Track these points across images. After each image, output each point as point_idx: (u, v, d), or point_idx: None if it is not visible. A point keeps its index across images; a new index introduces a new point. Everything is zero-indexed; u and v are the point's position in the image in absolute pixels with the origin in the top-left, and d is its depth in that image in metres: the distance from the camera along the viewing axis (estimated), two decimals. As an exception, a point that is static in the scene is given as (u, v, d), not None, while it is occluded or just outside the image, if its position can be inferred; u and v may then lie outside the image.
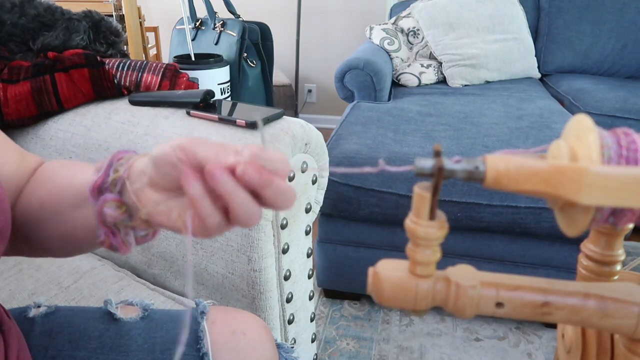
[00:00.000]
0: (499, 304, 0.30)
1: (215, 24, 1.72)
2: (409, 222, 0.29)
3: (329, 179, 1.19)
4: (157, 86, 0.86)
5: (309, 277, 0.83)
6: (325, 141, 0.86)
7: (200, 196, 0.33)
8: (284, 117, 0.75)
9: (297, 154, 0.72)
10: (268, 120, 0.72)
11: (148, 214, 0.36)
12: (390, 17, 2.41)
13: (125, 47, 1.03)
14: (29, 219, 0.45)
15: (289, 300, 0.77)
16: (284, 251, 0.73)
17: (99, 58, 0.85)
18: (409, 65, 2.09)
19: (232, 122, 0.73)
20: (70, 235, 0.43)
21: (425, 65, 2.08)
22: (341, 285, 1.39)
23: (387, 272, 0.30)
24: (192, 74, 1.27)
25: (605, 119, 1.76)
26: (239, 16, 1.78)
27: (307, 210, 0.78)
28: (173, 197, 0.36)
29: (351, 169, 0.28)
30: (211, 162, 0.33)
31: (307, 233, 0.80)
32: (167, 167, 0.34)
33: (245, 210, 0.33)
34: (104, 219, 0.37)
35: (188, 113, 0.78)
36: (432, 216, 0.28)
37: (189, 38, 1.46)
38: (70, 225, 0.43)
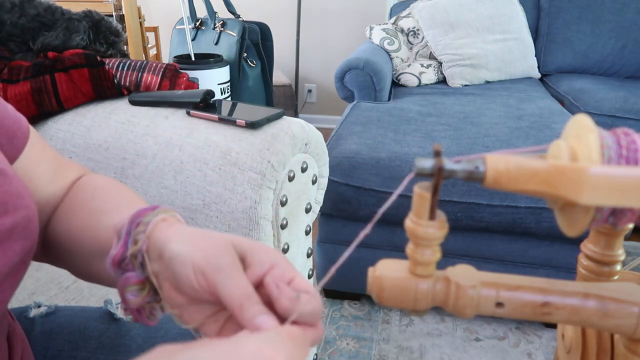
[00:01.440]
0: (499, 304, 0.30)
1: (215, 24, 1.72)
2: (409, 222, 0.29)
3: (329, 179, 1.19)
4: (157, 86, 0.86)
5: (309, 277, 0.83)
6: (325, 141, 0.87)
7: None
8: (284, 117, 0.75)
9: (297, 154, 0.72)
10: (268, 120, 0.72)
11: (175, 316, 0.34)
12: (390, 17, 2.41)
13: (125, 47, 1.03)
14: (57, 244, 0.44)
15: (289, 300, 0.77)
16: (284, 251, 0.73)
17: (99, 58, 0.85)
18: (409, 65, 2.09)
19: (232, 122, 0.73)
20: (95, 276, 0.42)
21: (425, 65, 2.08)
22: (341, 285, 1.39)
23: (387, 272, 0.30)
24: (192, 74, 1.27)
25: (605, 119, 1.76)
26: (239, 16, 1.78)
27: (307, 210, 0.78)
28: (196, 304, 0.33)
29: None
30: (236, 311, 0.29)
31: (307, 233, 0.80)
32: (187, 287, 0.32)
33: None
34: (128, 302, 0.35)
35: (188, 113, 0.78)
36: (432, 216, 0.28)
37: (189, 38, 1.46)
38: (95, 271, 0.41)
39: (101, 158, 0.79)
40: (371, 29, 2.15)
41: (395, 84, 2.08)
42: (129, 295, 0.35)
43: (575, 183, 0.25)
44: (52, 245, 0.44)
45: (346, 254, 0.29)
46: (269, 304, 0.30)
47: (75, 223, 0.43)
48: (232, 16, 1.79)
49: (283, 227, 0.72)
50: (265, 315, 0.29)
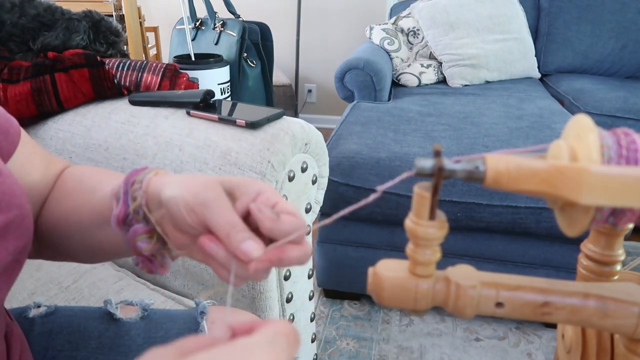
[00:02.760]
0: (499, 304, 0.30)
1: (215, 24, 1.72)
2: (409, 222, 0.29)
3: (329, 179, 1.19)
4: (157, 86, 0.86)
5: (309, 277, 0.83)
6: (325, 141, 0.86)
7: (226, 260, 0.33)
8: (284, 117, 0.75)
9: (297, 154, 0.72)
10: (268, 120, 0.72)
11: (179, 253, 0.36)
12: (390, 17, 2.41)
13: (125, 47, 1.03)
14: (53, 231, 0.45)
15: (289, 300, 0.77)
16: (284, 251, 0.73)
17: (99, 58, 0.85)
18: (409, 65, 2.09)
19: (232, 122, 0.73)
20: (97, 248, 0.44)
21: (425, 65, 2.08)
22: (341, 285, 1.39)
23: (387, 272, 0.30)
24: (192, 74, 1.27)
25: (605, 119, 1.76)
26: (239, 16, 1.78)
27: (307, 210, 0.78)
28: (195, 241, 0.35)
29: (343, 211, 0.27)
30: (224, 239, 0.32)
31: (307, 233, 0.80)
32: (184, 225, 0.34)
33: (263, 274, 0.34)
34: (139, 251, 0.37)
35: (188, 113, 0.78)
36: (432, 216, 0.28)
37: (189, 38, 1.46)
38: (96, 242, 0.43)
39: (101, 158, 0.79)
40: (371, 29, 2.15)
41: (395, 84, 2.08)
42: (141, 244, 0.36)
43: (575, 183, 0.25)
44: (46, 234, 0.45)
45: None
46: (257, 230, 0.33)
47: (69, 205, 0.44)
48: (232, 16, 1.79)
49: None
50: (250, 240, 0.32)
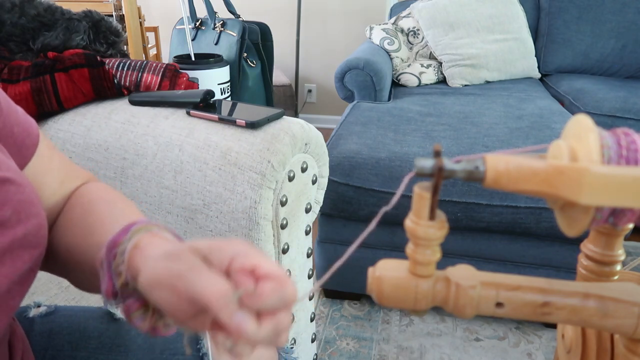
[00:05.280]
0: (499, 304, 0.30)
1: (215, 24, 1.72)
2: (409, 222, 0.29)
3: (329, 179, 1.19)
4: (157, 86, 0.86)
5: (309, 277, 0.83)
6: (325, 141, 0.86)
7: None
8: (284, 117, 0.75)
9: (297, 153, 0.72)
10: (268, 120, 0.72)
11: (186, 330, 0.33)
12: (390, 17, 2.41)
13: (125, 47, 1.03)
14: (57, 257, 0.44)
15: (289, 300, 0.77)
16: (284, 251, 0.73)
17: (99, 58, 0.85)
18: (409, 65, 2.09)
19: (232, 122, 0.73)
20: (95, 288, 0.42)
21: (425, 65, 2.08)
22: (341, 285, 1.39)
23: (387, 272, 0.30)
24: (192, 74, 1.27)
25: (605, 119, 1.76)
26: (239, 16, 1.78)
27: (307, 210, 0.78)
28: (195, 315, 0.32)
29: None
30: (215, 312, 0.28)
31: (307, 233, 0.80)
32: (171, 308, 0.31)
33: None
34: (137, 327, 0.35)
35: (188, 113, 0.78)
36: (432, 216, 0.28)
37: (189, 38, 1.46)
38: (95, 285, 0.40)
39: (101, 158, 0.79)
40: (371, 29, 2.15)
41: (395, 84, 2.08)
42: (137, 322, 0.34)
43: (575, 183, 0.25)
44: (51, 256, 0.44)
45: (346, 254, 0.30)
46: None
47: (71, 240, 0.43)
48: (232, 16, 1.79)
49: (283, 227, 0.72)
50: (239, 313, 0.28)
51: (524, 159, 0.27)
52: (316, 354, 0.93)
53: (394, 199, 0.28)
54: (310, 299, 0.82)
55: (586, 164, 0.25)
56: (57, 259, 0.44)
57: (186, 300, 0.30)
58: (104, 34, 0.95)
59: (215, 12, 1.75)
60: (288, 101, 2.64)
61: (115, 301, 0.35)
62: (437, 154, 0.26)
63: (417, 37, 2.15)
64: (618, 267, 0.37)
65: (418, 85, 2.04)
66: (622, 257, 0.37)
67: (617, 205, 0.25)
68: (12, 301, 0.35)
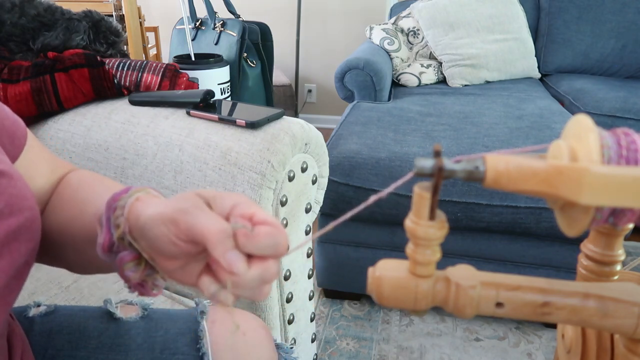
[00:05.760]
0: (499, 304, 0.30)
1: (215, 24, 1.72)
2: (409, 222, 0.29)
3: (329, 179, 1.19)
4: (157, 86, 0.86)
5: (309, 277, 0.83)
6: (325, 141, 0.86)
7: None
8: (284, 117, 0.75)
9: (297, 154, 0.72)
10: (268, 120, 0.72)
11: (169, 280, 0.35)
12: (390, 17, 2.41)
13: (125, 47, 1.03)
14: (49, 239, 0.45)
15: (289, 300, 0.77)
16: (284, 251, 0.73)
17: (99, 58, 0.85)
18: (409, 65, 2.09)
19: (232, 122, 0.73)
20: (89, 263, 0.43)
21: (425, 65, 2.08)
22: (341, 285, 1.39)
23: (387, 272, 0.30)
24: (192, 74, 1.27)
25: (605, 119, 1.76)
26: (239, 16, 1.78)
27: (307, 210, 0.78)
28: (187, 263, 0.33)
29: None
30: (211, 249, 0.30)
31: (307, 233, 0.80)
32: (167, 245, 0.32)
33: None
34: (128, 279, 0.36)
35: (188, 113, 0.78)
36: (432, 216, 0.28)
37: (189, 38, 1.46)
38: (88, 257, 0.42)
39: (101, 158, 0.79)
40: (371, 29, 2.15)
41: (395, 84, 2.08)
42: (128, 272, 0.35)
43: (575, 183, 0.25)
44: (44, 241, 0.45)
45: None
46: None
47: (64, 215, 0.44)
48: (232, 16, 1.79)
49: (283, 227, 0.72)
50: (233, 251, 0.30)
51: (524, 159, 0.27)
52: (316, 354, 0.93)
53: (392, 188, 0.28)
54: (309, 256, 0.82)
55: (586, 164, 0.25)
56: (50, 240, 0.45)
57: (185, 236, 0.31)
58: (104, 34, 0.95)
59: (215, 12, 1.75)
60: (288, 101, 2.64)
61: (110, 255, 0.36)
62: (437, 154, 0.26)
63: (417, 37, 2.15)
64: (618, 267, 0.37)
65: (418, 85, 2.04)
66: (622, 257, 0.37)
67: (617, 205, 0.25)
68: (9, 296, 0.36)
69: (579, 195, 0.24)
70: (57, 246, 0.45)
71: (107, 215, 0.36)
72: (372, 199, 0.29)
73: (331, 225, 0.31)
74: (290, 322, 0.79)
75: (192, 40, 1.75)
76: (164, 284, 0.38)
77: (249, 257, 0.31)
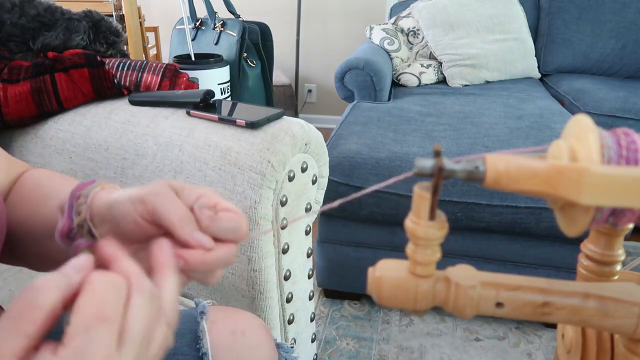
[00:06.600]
0: (499, 304, 0.30)
1: (215, 24, 1.72)
2: (409, 222, 0.29)
3: (329, 179, 1.19)
4: (157, 86, 0.86)
5: (309, 277, 0.83)
6: (325, 141, 0.86)
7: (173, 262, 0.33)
8: (284, 117, 0.75)
9: (297, 153, 0.72)
10: (268, 120, 0.72)
11: None
12: (390, 17, 2.41)
13: (125, 47, 1.03)
14: (8, 238, 0.45)
15: (289, 300, 0.77)
16: (284, 251, 0.73)
17: (99, 58, 0.85)
18: (409, 65, 2.09)
19: (232, 122, 0.73)
20: (46, 258, 0.44)
21: (425, 65, 2.08)
22: (341, 285, 1.39)
23: (387, 272, 0.30)
24: (192, 74, 1.27)
25: (605, 119, 1.76)
26: (239, 16, 1.78)
27: (307, 210, 0.78)
28: (143, 249, 0.35)
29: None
30: (176, 228, 0.32)
31: (307, 233, 0.80)
32: (129, 225, 0.34)
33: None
34: None
35: (188, 113, 0.78)
36: (432, 216, 0.28)
37: (189, 38, 1.46)
38: (46, 251, 0.43)
39: (101, 158, 0.79)
40: (371, 29, 2.15)
41: (395, 84, 2.08)
42: None
43: (575, 183, 0.25)
44: (5, 237, 0.45)
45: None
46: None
47: (23, 211, 0.44)
48: (232, 16, 1.79)
49: (283, 227, 0.72)
50: (199, 232, 0.33)
51: (524, 159, 0.27)
52: (316, 354, 0.93)
53: (390, 182, 0.28)
54: (309, 256, 0.82)
55: (586, 164, 0.25)
56: (9, 236, 0.45)
57: (149, 216, 0.33)
58: (104, 34, 0.95)
59: (215, 12, 1.75)
60: (288, 101, 2.64)
61: (66, 242, 0.37)
62: (437, 154, 0.26)
63: (417, 37, 2.15)
64: (618, 267, 0.37)
65: (418, 85, 2.04)
66: (622, 257, 0.37)
67: (617, 206, 0.25)
68: None
69: (578, 196, 0.24)
70: (14, 242, 0.45)
71: (70, 202, 0.37)
72: (359, 193, 0.29)
73: (302, 216, 0.31)
74: (290, 322, 0.79)
75: (192, 40, 1.75)
76: None
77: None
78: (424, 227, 0.28)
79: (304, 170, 0.74)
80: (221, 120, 0.74)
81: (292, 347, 0.82)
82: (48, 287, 0.25)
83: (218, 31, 1.70)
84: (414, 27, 2.15)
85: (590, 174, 0.24)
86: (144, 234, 0.34)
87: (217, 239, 0.34)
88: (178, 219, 0.32)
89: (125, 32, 1.38)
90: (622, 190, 0.24)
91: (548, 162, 0.26)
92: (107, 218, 0.35)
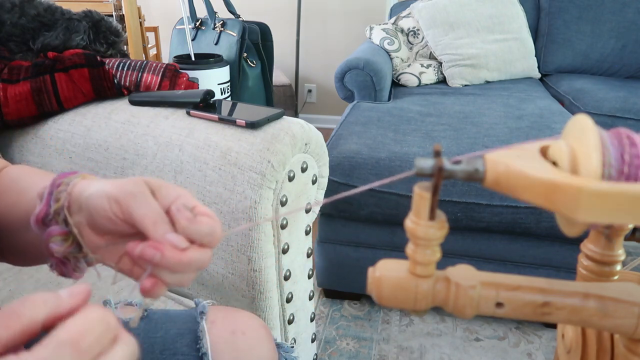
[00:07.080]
0: (499, 304, 0.30)
1: (215, 24, 1.72)
2: (409, 222, 0.29)
3: (329, 179, 1.19)
4: (157, 86, 0.86)
5: (309, 277, 0.83)
6: (325, 141, 0.86)
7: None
8: (284, 117, 0.75)
9: (297, 153, 0.72)
10: (268, 120, 0.72)
11: (94, 258, 0.37)
12: (390, 17, 2.41)
13: (125, 47, 1.03)
14: None
15: (289, 300, 0.77)
16: (284, 251, 0.73)
17: (99, 58, 0.85)
18: (409, 65, 2.09)
19: (232, 122, 0.73)
20: (23, 251, 0.44)
21: (425, 65, 2.08)
22: (341, 285, 1.39)
23: (387, 272, 0.30)
24: (192, 74, 1.27)
25: (605, 119, 1.76)
26: (239, 16, 1.78)
27: (307, 210, 0.78)
28: (114, 242, 0.36)
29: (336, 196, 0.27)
30: (149, 231, 0.33)
31: (307, 233, 0.80)
32: (103, 220, 0.35)
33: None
34: (51, 252, 0.37)
35: (188, 113, 0.78)
36: (432, 216, 0.28)
37: (189, 38, 1.46)
38: (23, 244, 0.43)
39: (101, 158, 0.79)
40: (371, 29, 2.15)
41: (395, 84, 2.08)
42: (53, 245, 0.37)
43: (572, 200, 0.24)
44: None
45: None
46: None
47: (1, 205, 0.45)
48: (232, 16, 1.79)
49: (283, 227, 0.72)
50: (174, 233, 0.33)
51: (524, 163, 0.26)
52: (316, 354, 0.93)
53: (387, 180, 0.28)
54: (309, 256, 0.82)
55: (583, 182, 0.24)
56: None
57: (123, 216, 0.34)
58: (104, 34, 0.95)
59: (215, 12, 1.75)
60: (288, 101, 2.64)
61: (41, 228, 0.37)
62: (437, 154, 0.26)
63: (417, 37, 2.15)
64: (618, 267, 0.37)
65: (418, 85, 2.04)
66: (622, 257, 0.37)
67: (613, 222, 0.25)
68: None
69: (574, 213, 0.24)
70: None
71: (51, 189, 0.38)
72: (351, 191, 0.29)
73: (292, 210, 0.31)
74: (290, 322, 0.79)
75: (192, 40, 1.75)
76: (86, 269, 0.39)
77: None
78: (424, 227, 0.28)
79: (304, 170, 0.74)
80: (221, 120, 0.74)
81: (292, 347, 0.82)
82: (36, 301, 0.25)
83: (218, 31, 1.70)
84: (414, 27, 2.15)
85: (587, 193, 0.24)
86: (118, 230, 0.35)
87: (192, 242, 0.34)
88: (152, 222, 0.33)
89: (125, 32, 1.38)
90: (617, 209, 0.24)
91: (546, 174, 0.26)
92: (84, 208, 0.36)
